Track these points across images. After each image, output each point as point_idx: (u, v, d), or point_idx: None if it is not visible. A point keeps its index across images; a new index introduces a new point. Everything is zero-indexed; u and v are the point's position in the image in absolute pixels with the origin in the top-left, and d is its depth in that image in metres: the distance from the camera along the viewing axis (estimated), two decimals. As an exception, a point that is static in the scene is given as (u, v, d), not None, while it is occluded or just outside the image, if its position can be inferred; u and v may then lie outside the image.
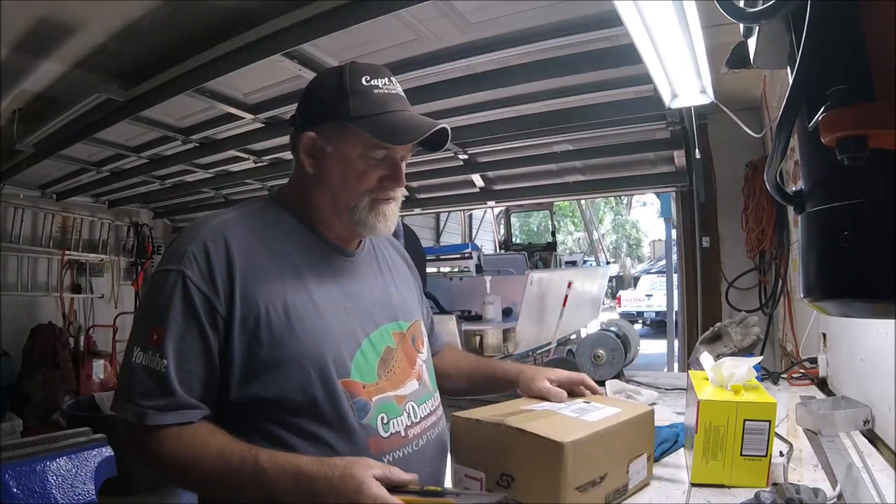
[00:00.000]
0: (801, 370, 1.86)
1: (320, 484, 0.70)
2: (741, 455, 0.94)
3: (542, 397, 1.01)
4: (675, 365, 4.34)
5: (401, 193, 0.93)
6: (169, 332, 0.77)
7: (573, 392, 1.04)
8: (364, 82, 0.85)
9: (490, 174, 4.40)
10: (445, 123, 0.88)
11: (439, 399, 0.99)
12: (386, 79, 0.88)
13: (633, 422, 0.93)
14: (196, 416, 0.78)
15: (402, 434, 0.87)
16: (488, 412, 0.91)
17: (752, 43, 0.76)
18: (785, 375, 1.86)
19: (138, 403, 0.76)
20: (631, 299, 12.11)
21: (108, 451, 2.02)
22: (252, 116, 2.98)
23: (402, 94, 0.90)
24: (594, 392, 1.05)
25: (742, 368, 1.00)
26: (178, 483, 0.80)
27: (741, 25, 0.74)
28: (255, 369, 0.80)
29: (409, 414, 0.89)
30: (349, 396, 0.83)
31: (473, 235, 10.93)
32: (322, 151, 0.87)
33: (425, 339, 1.03)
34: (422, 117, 0.88)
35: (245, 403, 0.81)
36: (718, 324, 1.72)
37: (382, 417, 0.86)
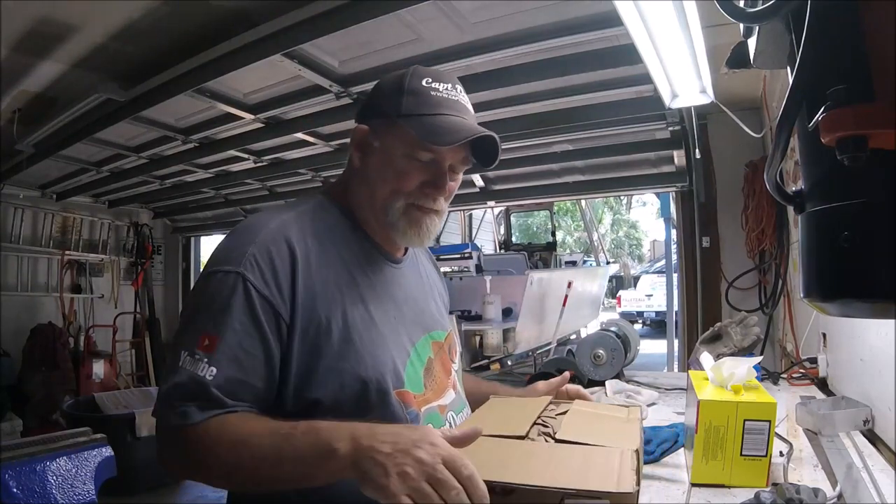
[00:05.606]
0: (801, 370, 1.86)
1: (384, 429, 0.66)
2: (741, 455, 0.95)
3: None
4: (675, 365, 4.33)
5: (443, 206, 0.88)
6: (224, 340, 0.72)
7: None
8: (424, 83, 0.84)
9: (490, 174, 4.39)
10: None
11: (469, 408, 0.98)
12: (450, 84, 0.86)
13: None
14: (241, 407, 0.73)
15: None
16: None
17: (752, 43, 0.76)
18: (785, 375, 1.87)
19: (179, 404, 0.70)
20: (631, 299, 12.12)
21: (108, 451, 2.02)
22: (252, 116, 2.97)
23: (466, 103, 0.87)
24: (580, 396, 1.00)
25: (742, 368, 1.00)
26: (223, 474, 0.72)
27: (741, 25, 0.74)
28: (312, 378, 0.78)
29: (450, 424, 0.89)
30: (403, 406, 0.82)
31: (473, 235, 10.92)
32: (370, 146, 0.87)
33: (458, 350, 1.02)
34: (473, 125, 0.84)
35: (300, 411, 0.77)
36: (718, 324, 1.71)
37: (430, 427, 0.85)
